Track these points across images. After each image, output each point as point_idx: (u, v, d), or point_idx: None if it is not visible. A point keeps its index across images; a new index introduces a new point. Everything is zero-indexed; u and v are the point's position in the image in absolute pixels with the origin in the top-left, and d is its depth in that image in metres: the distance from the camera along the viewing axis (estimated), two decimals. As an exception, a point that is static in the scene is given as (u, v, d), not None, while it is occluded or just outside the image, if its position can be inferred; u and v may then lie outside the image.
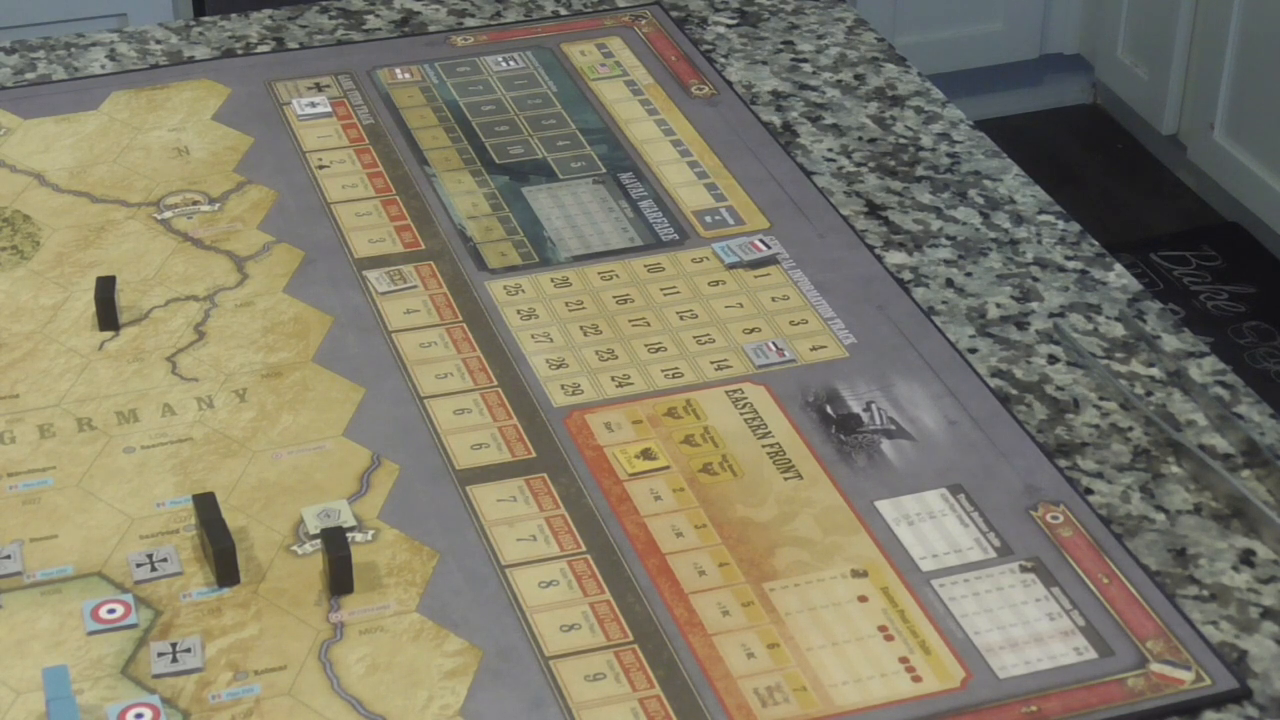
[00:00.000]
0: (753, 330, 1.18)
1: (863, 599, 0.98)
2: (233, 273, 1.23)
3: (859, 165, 1.36)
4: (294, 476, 1.06)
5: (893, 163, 1.36)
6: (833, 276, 1.23)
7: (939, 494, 1.05)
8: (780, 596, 0.98)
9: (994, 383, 1.14)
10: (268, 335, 1.17)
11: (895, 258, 1.25)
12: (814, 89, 1.45)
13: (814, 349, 1.16)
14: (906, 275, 1.24)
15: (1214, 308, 2.87)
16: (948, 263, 1.25)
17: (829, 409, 1.11)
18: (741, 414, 1.11)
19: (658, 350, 1.16)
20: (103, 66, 1.48)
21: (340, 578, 0.98)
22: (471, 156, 1.36)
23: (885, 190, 1.33)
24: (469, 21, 1.54)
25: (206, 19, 1.55)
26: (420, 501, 1.04)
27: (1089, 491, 1.05)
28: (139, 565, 1.00)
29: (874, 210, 1.30)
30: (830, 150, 1.37)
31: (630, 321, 1.18)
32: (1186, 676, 0.93)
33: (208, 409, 1.11)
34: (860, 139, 1.39)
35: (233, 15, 1.55)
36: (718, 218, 1.29)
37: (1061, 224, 1.29)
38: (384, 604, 0.97)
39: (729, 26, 1.54)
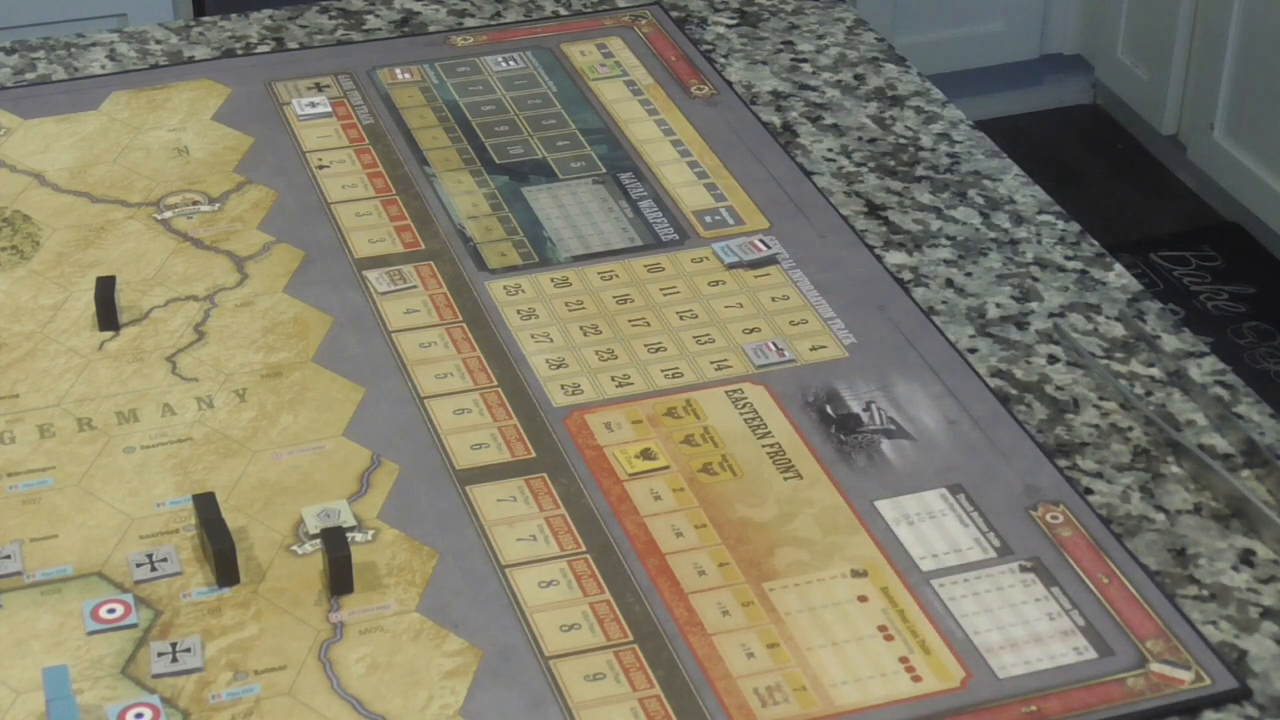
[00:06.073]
0: (752, 330, 1.18)
1: (862, 599, 0.98)
2: (232, 273, 1.23)
3: (859, 165, 1.36)
4: (294, 476, 1.06)
5: (892, 163, 1.36)
6: (832, 276, 1.23)
7: (939, 494, 1.05)
8: (780, 596, 0.98)
9: (994, 383, 1.14)
10: (268, 335, 1.17)
11: (895, 258, 1.25)
12: (814, 89, 1.45)
13: (814, 349, 1.16)
14: (906, 275, 1.24)
15: (1214, 308, 2.87)
16: (947, 263, 1.25)
17: (829, 409, 1.11)
18: (741, 414, 1.11)
19: (657, 350, 1.16)
20: (103, 66, 1.48)
21: (340, 578, 0.98)
22: (471, 156, 1.36)
23: (885, 190, 1.33)
24: (469, 21, 1.54)
25: (206, 19, 1.55)
26: (420, 501, 1.04)
27: (1089, 491, 1.05)
28: (139, 565, 1.00)
29: (874, 210, 1.30)
30: (830, 150, 1.37)
31: (630, 321, 1.18)
32: (1186, 676, 0.93)
33: (208, 409, 1.11)
34: (860, 139, 1.39)
35: (233, 15, 1.55)
36: (717, 218, 1.29)
37: (1061, 224, 1.29)
38: (384, 604, 0.97)
39: (729, 26, 1.54)
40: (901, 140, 1.39)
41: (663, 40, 1.51)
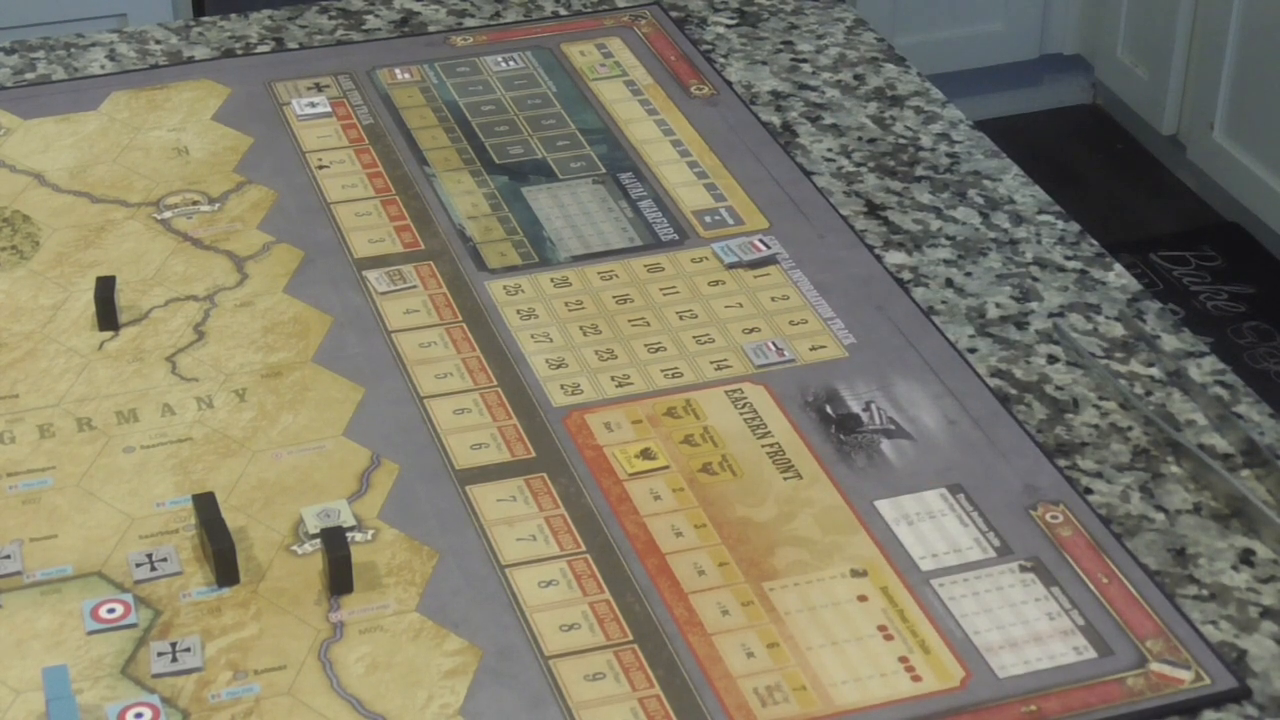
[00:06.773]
0: (752, 330, 1.18)
1: (862, 598, 0.98)
2: (232, 273, 1.23)
3: (858, 165, 1.36)
4: (294, 476, 1.06)
5: (892, 163, 1.36)
6: (832, 276, 1.23)
7: (938, 494, 1.05)
8: (780, 596, 0.98)
9: (993, 382, 1.14)
10: (267, 335, 1.17)
11: (895, 258, 1.25)
12: (813, 89, 1.45)
13: (813, 349, 1.16)
14: (906, 275, 1.24)
15: (1214, 308, 2.87)
16: (947, 262, 1.25)
17: (828, 409, 1.11)
18: (741, 414, 1.11)
19: (657, 350, 1.16)
20: (102, 67, 1.48)
21: (340, 577, 0.98)
22: (471, 156, 1.36)
23: (885, 190, 1.33)
24: (468, 21, 1.54)
25: (206, 19, 1.55)
26: (420, 501, 1.04)
27: (1088, 491, 1.05)
28: (139, 565, 1.00)
29: (873, 210, 1.31)
30: (830, 150, 1.37)
31: (630, 321, 1.18)
32: (1186, 676, 0.93)
33: (207, 409, 1.11)
34: (860, 139, 1.39)
35: (232, 15, 1.55)
36: (717, 218, 1.29)
37: (1061, 224, 1.29)
38: (384, 603, 0.97)
39: (728, 26, 1.54)
40: (901, 140, 1.39)
41: (662, 40, 1.51)
